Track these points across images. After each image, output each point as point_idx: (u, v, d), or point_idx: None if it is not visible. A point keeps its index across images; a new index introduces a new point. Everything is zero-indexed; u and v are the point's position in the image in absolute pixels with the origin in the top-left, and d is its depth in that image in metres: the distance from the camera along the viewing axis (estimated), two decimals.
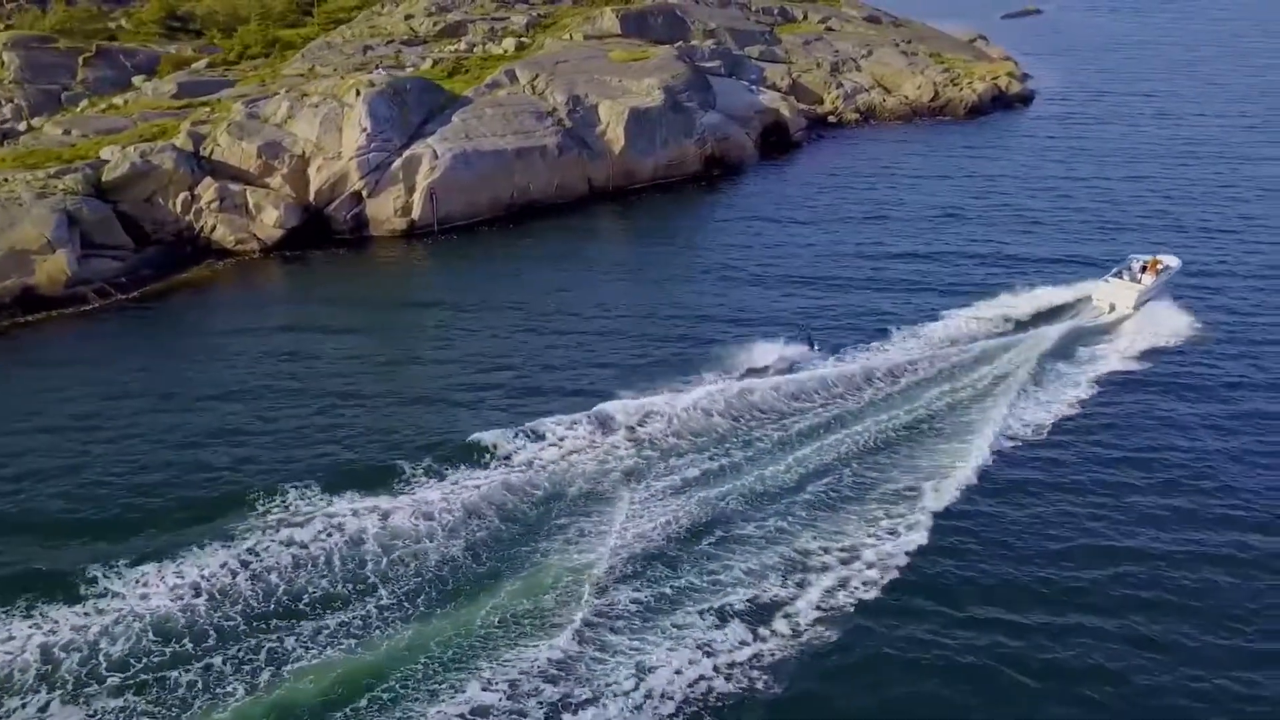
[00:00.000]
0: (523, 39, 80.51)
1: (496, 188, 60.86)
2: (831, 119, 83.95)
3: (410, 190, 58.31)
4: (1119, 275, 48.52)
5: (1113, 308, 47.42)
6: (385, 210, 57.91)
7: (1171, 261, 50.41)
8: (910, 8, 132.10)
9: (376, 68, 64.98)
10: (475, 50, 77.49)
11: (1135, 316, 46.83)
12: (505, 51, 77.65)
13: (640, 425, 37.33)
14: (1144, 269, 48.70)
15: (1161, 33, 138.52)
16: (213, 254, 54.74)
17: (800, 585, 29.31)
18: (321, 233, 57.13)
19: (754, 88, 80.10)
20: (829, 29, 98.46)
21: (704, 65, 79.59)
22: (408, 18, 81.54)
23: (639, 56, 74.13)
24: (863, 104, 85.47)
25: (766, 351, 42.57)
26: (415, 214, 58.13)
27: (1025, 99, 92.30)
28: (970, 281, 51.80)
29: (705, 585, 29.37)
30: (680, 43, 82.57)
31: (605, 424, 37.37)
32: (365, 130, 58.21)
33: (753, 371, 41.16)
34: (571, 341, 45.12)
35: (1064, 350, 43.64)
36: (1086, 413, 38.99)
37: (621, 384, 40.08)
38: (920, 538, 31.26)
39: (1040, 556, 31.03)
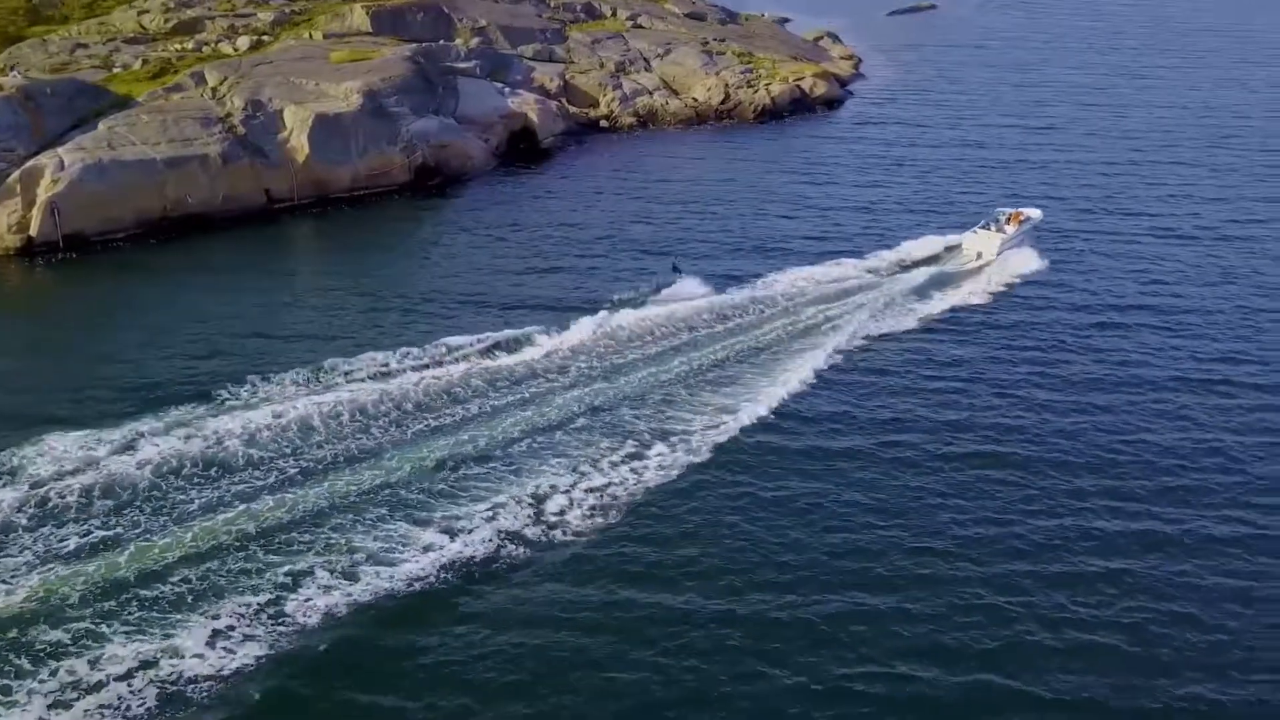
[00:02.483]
0: (264, 36, 75.05)
1: (143, 200, 55.32)
2: (605, 124, 78.39)
3: (30, 204, 52.85)
4: (986, 227, 53.18)
5: (979, 255, 52.27)
6: None
7: (1033, 213, 55.87)
8: (794, 5, 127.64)
9: (10, 70, 59.59)
10: (205, 49, 72.07)
11: (995, 261, 51.79)
12: (237, 50, 72.20)
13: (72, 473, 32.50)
14: (1008, 220, 53.77)
15: (1041, 30, 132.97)
16: None
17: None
18: None
19: (509, 90, 74.49)
20: (637, 26, 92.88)
21: (456, 66, 74.14)
22: (140, 14, 75.99)
23: (361, 57, 68.67)
24: (642, 107, 79.92)
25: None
26: (34, 230, 52.72)
27: (832, 101, 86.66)
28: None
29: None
30: (440, 41, 77.17)
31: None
32: None
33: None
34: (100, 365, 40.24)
35: (922, 291, 48.63)
36: (928, 345, 44.05)
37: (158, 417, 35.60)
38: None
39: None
